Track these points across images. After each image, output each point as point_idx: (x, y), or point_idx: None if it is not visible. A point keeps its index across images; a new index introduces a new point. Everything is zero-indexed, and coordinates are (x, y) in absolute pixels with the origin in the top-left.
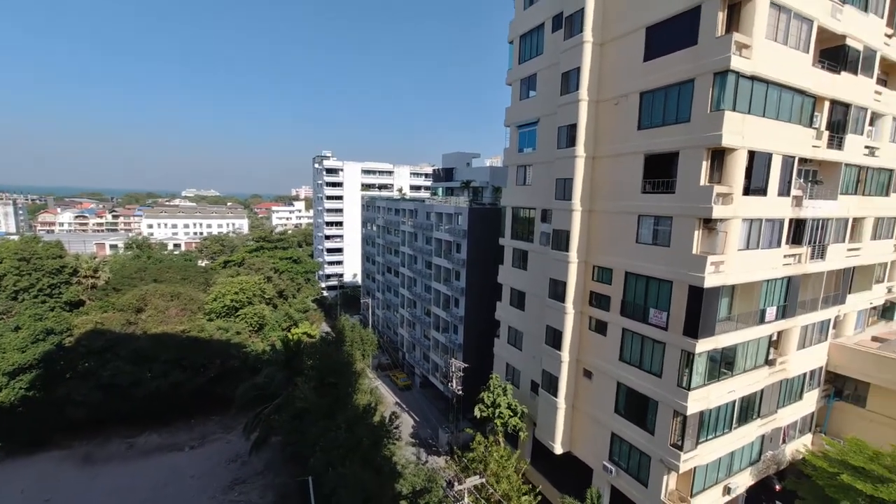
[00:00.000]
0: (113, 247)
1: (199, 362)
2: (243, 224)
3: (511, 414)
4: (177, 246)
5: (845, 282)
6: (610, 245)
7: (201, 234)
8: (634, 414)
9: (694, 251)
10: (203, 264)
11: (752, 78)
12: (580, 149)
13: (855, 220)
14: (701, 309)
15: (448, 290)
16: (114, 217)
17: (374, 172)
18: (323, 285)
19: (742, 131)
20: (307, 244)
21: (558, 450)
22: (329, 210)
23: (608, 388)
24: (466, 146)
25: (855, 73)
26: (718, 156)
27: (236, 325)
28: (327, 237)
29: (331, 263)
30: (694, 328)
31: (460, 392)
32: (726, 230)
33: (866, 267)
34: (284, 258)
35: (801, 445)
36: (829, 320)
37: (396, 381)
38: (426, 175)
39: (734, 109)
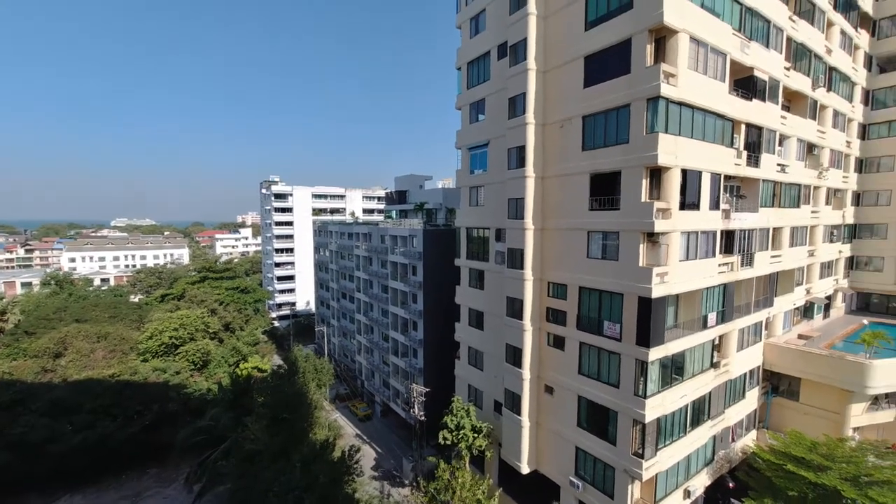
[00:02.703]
0: (26, 285)
1: (131, 409)
2: (183, 254)
3: (475, 436)
4: (105, 281)
5: (771, 286)
6: (563, 261)
7: (134, 266)
8: (596, 426)
9: (640, 264)
10: (136, 299)
11: (680, 103)
12: (530, 169)
13: (775, 229)
14: (650, 318)
15: (406, 313)
16: (27, 251)
17: (325, 197)
18: (274, 315)
19: (675, 151)
20: (255, 273)
21: (525, 469)
22: (279, 236)
23: (570, 403)
24: (419, 168)
25: (763, 100)
26: (656, 174)
27: (176, 363)
28: (277, 264)
29: (282, 292)
30: (645, 337)
31: (423, 418)
32: (668, 243)
33: (788, 272)
34: (231, 288)
35: (748, 442)
36: (762, 322)
37: (356, 411)
38: (379, 198)
39: (666, 132)
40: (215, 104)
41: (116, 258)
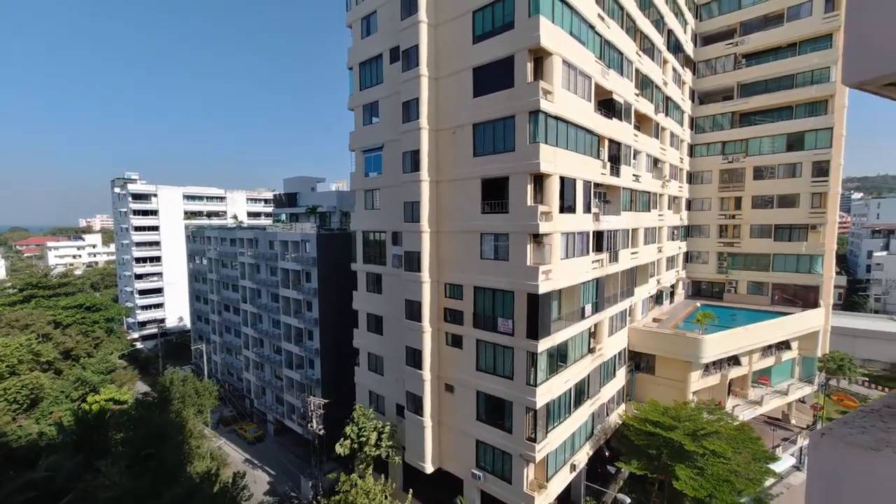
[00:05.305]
0: None
1: None
2: None
3: (377, 440)
4: None
5: (632, 278)
6: (458, 262)
7: None
8: (494, 418)
9: (528, 263)
10: None
11: (557, 118)
12: (424, 173)
13: (633, 230)
14: (538, 313)
15: (300, 322)
16: None
17: (200, 198)
18: (136, 335)
19: (554, 160)
20: (109, 287)
21: (429, 469)
22: (140, 244)
23: (469, 399)
24: (310, 171)
25: (621, 119)
26: (539, 180)
27: None
28: (139, 276)
29: (146, 307)
30: (534, 331)
31: (322, 431)
32: (551, 243)
33: (643, 266)
34: (71, 307)
35: (619, 414)
36: (626, 310)
37: (244, 434)
38: (266, 201)
39: (546, 142)
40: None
41: None
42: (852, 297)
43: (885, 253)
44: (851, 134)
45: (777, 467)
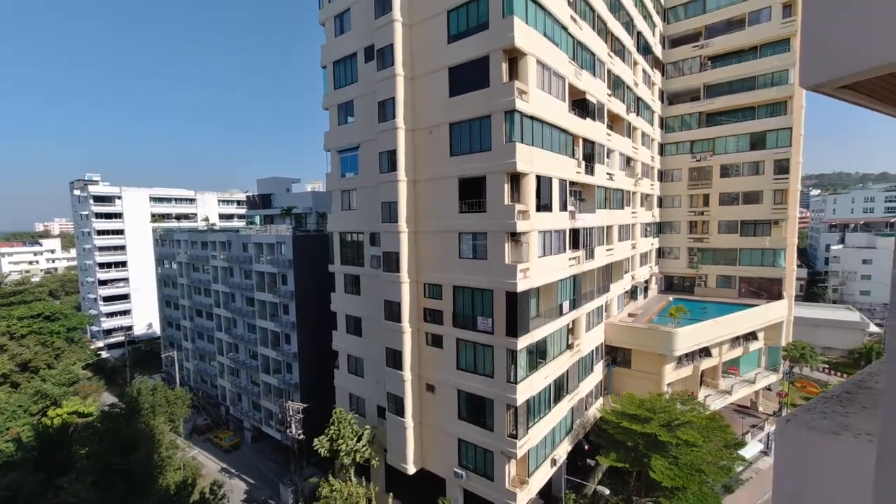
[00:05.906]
0: None
1: None
2: None
3: (358, 441)
4: None
5: (608, 275)
6: (437, 262)
7: None
8: (475, 416)
9: (506, 261)
10: None
11: (532, 118)
12: (402, 173)
13: (608, 227)
14: (517, 311)
15: (276, 326)
16: None
17: (168, 200)
18: (101, 344)
19: (530, 160)
20: (71, 294)
21: (411, 469)
22: (104, 248)
23: (450, 398)
24: (285, 171)
25: (594, 119)
26: (515, 179)
27: None
28: (103, 282)
29: (112, 315)
30: (514, 328)
31: (301, 437)
32: (528, 241)
33: (618, 262)
34: (27, 317)
35: (597, 408)
36: (602, 305)
37: (220, 442)
38: (238, 202)
39: (522, 142)
40: None
41: None
42: (812, 289)
43: (841, 246)
44: (809, 133)
45: (746, 453)
